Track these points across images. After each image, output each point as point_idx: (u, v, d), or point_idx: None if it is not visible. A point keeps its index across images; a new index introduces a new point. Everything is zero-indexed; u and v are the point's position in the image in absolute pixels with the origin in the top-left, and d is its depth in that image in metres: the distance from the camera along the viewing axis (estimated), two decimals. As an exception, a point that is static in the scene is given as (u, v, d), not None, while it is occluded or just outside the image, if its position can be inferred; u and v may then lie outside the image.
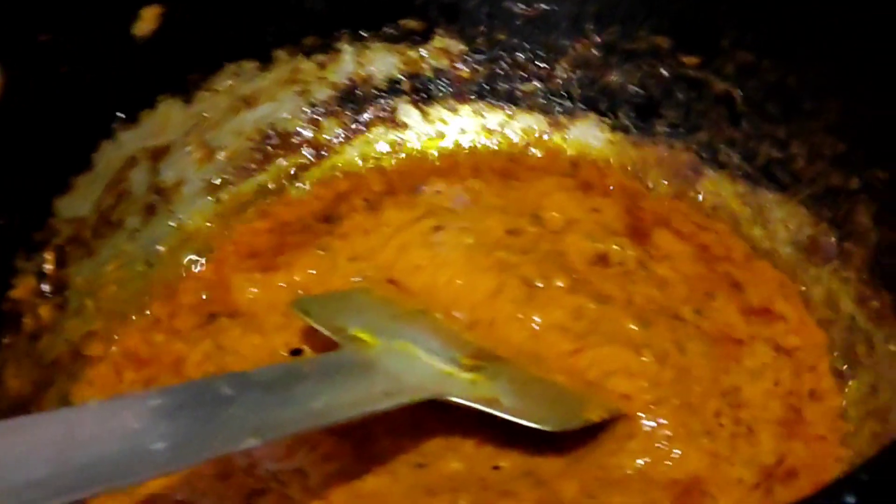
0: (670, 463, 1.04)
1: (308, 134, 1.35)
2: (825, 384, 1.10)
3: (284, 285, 1.21)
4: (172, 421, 0.87)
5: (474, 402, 1.04)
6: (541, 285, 1.16)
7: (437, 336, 1.13)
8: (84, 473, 0.81)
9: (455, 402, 1.04)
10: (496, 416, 1.04)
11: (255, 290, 1.21)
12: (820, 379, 1.10)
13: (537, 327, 1.14)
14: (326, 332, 1.10)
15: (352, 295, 1.19)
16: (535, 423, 1.04)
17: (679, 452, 1.05)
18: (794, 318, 1.15)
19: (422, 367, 1.07)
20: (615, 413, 1.07)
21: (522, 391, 1.08)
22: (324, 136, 1.35)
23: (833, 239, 1.15)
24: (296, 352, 1.16)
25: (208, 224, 1.28)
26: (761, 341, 1.13)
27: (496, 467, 1.06)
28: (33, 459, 0.80)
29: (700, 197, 1.28)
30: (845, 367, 1.10)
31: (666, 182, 1.30)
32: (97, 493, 0.83)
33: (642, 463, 1.04)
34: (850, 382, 1.09)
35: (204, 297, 1.22)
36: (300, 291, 1.21)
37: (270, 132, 1.33)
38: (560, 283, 1.16)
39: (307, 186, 1.34)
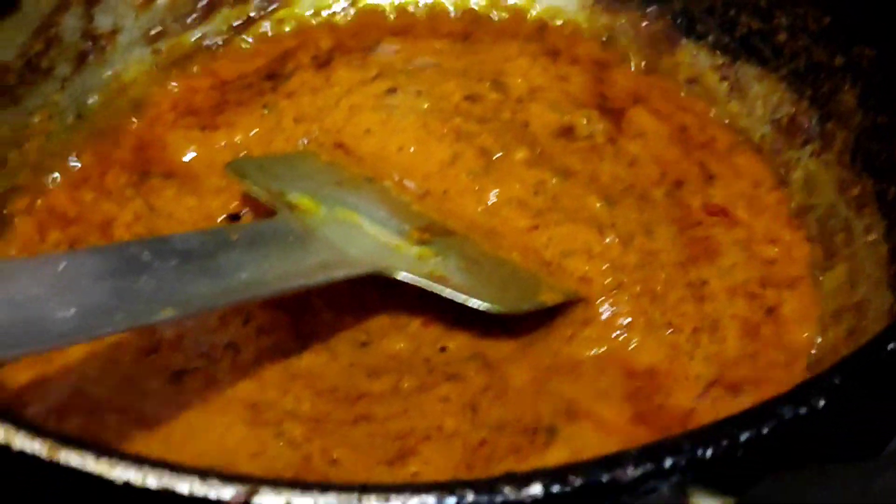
0: (627, 353, 0.98)
1: (256, -17, 1.26)
2: (800, 299, 1.03)
3: (225, 145, 1.14)
4: (80, 287, 0.80)
5: (420, 279, 0.98)
6: (499, 156, 1.09)
7: (384, 206, 1.06)
8: None
9: (400, 279, 0.97)
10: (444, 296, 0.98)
11: (193, 150, 1.14)
12: (796, 293, 1.03)
13: (494, 201, 1.07)
14: (262, 197, 1.03)
15: (296, 158, 1.11)
16: (483, 302, 0.98)
17: (637, 342, 0.98)
18: (757, 226, 1.08)
19: (365, 239, 1.00)
20: (572, 297, 1.01)
21: (473, 269, 1.01)
22: (273, -14, 1.27)
23: (814, 119, 1.08)
24: (234, 217, 1.09)
25: (145, 77, 1.21)
26: (732, 243, 1.06)
27: (443, 349, 1.01)
28: None
29: (675, 69, 1.20)
30: (823, 258, 1.04)
31: (639, 52, 1.22)
32: None
33: (597, 352, 0.98)
34: (827, 273, 1.03)
35: (139, 154, 1.15)
36: (243, 153, 1.13)
37: (215, -22, 1.25)
38: (520, 155, 1.09)
39: (251, 41, 1.26)
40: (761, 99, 1.15)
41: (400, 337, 1.01)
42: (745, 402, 0.95)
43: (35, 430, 0.64)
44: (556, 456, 0.89)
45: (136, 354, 0.97)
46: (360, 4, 1.29)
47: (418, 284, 0.98)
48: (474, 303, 0.97)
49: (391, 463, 0.90)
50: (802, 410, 0.63)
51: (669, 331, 0.99)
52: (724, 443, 0.62)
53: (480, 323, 1.00)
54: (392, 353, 1.00)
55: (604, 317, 1.00)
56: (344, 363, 0.99)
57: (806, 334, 1.01)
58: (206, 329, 0.98)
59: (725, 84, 1.17)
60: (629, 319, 0.99)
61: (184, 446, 0.90)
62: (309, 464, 0.90)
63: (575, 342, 0.99)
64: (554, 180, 1.07)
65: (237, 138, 1.14)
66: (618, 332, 0.99)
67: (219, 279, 0.88)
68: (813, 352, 0.99)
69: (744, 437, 0.62)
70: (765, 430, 0.62)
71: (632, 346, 0.98)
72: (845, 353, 0.93)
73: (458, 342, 1.01)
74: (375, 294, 1.02)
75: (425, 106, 1.14)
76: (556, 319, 1.01)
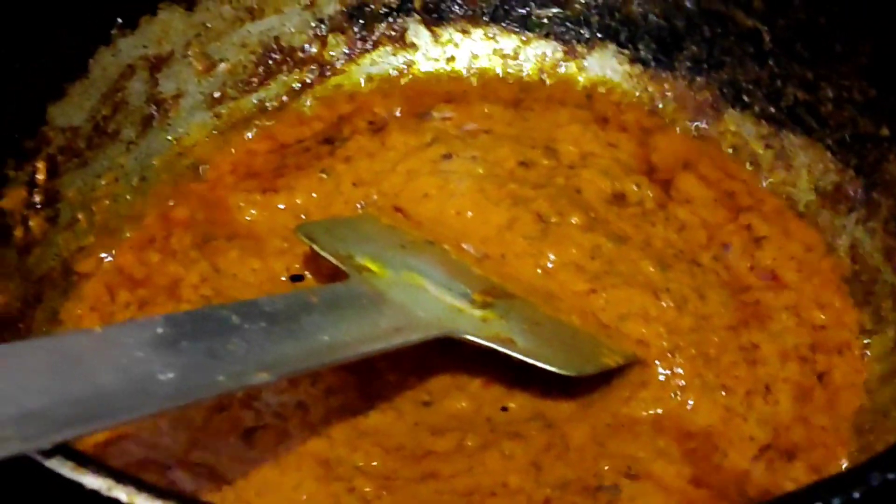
0: (683, 414, 1.01)
1: (313, 50, 1.30)
2: (849, 364, 1.06)
3: (285, 208, 1.17)
4: (178, 350, 0.83)
5: (488, 341, 1.00)
6: (555, 221, 1.12)
7: (447, 269, 1.09)
8: (85, 406, 0.75)
9: (469, 341, 1.01)
10: (506, 357, 1.01)
11: (255, 212, 1.17)
12: (845, 358, 1.06)
13: (551, 265, 1.10)
14: (333, 261, 1.06)
15: (358, 221, 1.15)
16: (551, 366, 1.01)
17: (692, 404, 1.01)
18: (806, 291, 1.10)
19: (432, 302, 1.03)
20: (631, 359, 1.04)
21: (536, 332, 1.04)
22: (329, 53, 1.31)
23: (859, 188, 1.11)
24: (297, 277, 1.12)
25: (206, 140, 1.24)
26: (781, 308, 1.08)
27: (504, 408, 1.03)
28: (29, 389, 0.74)
29: (720, 137, 1.23)
30: (870, 323, 1.07)
31: (685, 119, 1.25)
32: (99, 429, 0.78)
33: (654, 412, 1.01)
34: (874, 338, 1.05)
35: (201, 216, 1.18)
36: (302, 215, 1.17)
37: (274, 46, 1.28)
38: (575, 220, 1.12)
39: (309, 106, 1.29)
40: (806, 167, 1.17)
41: (462, 397, 1.04)
42: (798, 466, 0.98)
43: (156, 489, 0.66)
44: (619, 515, 0.93)
45: (207, 412, 0.99)
46: (413, 70, 1.32)
47: (488, 346, 1.00)
48: (542, 365, 1.00)
49: (459, 521, 0.92)
50: (891, 476, 0.66)
51: (723, 393, 1.02)
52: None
53: (540, 384, 1.03)
54: (454, 413, 1.03)
55: (660, 378, 1.03)
56: (409, 422, 1.01)
57: (854, 399, 1.03)
58: (276, 390, 1.01)
59: (770, 152, 1.20)
60: (684, 381, 1.02)
61: (258, 501, 0.93)
62: (381, 520, 0.93)
63: (633, 403, 1.02)
64: (609, 245, 1.10)
65: (297, 201, 1.17)
66: (674, 394, 1.02)
67: (303, 341, 0.91)
68: (861, 418, 1.02)
69: (836, 501, 0.65)
70: (855, 496, 0.65)
71: (688, 408, 1.01)
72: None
73: (519, 402, 1.03)
74: (436, 355, 1.05)
75: (480, 171, 1.17)
76: (613, 381, 1.04)
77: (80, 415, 0.74)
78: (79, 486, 0.67)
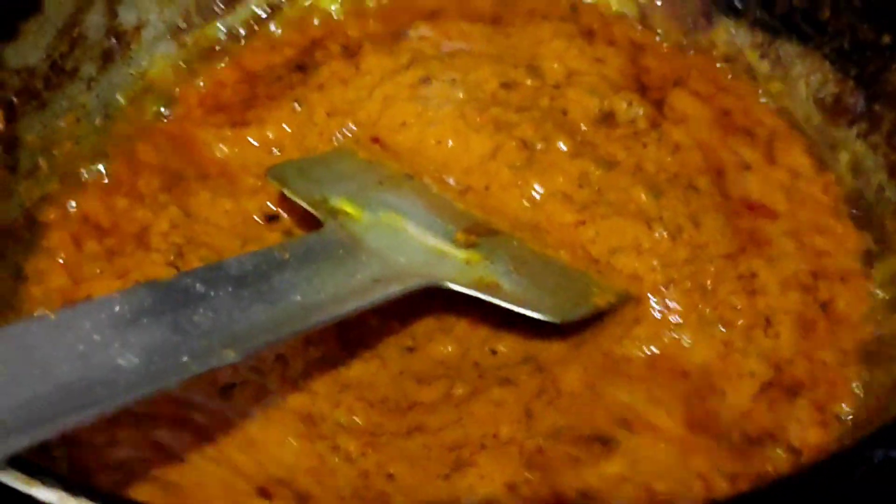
0: (679, 352, 0.97)
1: (280, -32, 1.24)
2: (854, 292, 1.01)
3: (257, 143, 1.12)
4: (139, 328, 0.78)
5: (473, 289, 0.96)
6: (541, 148, 1.07)
7: (428, 206, 1.04)
8: (40, 407, 0.71)
9: (453, 289, 0.96)
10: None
11: (225, 148, 1.12)
12: (849, 286, 1.01)
13: (537, 195, 1.05)
14: (306, 206, 1.01)
15: (332, 158, 1.09)
16: (538, 313, 0.96)
17: (689, 340, 0.97)
18: (801, 217, 1.06)
19: (413, 245, 0.99)
20: (623, 297, 0.99)
21: (523, 272, 0.99)
22: (298, -30, 1.24)
23: (860, 99, 1.06)
24: (272, 218, 1.07)
25: (172, 72, 1.19)
26: (780, 233, 1.04)
27: (493, 351, 0.99)
28: None
29: (713, 49, 1.18)
30: (875, 247, 1.02)
31: (675, 30, 1.19)
32: (55, 434, 0.72)
33: (648, 351, 0.97)
34: (879, 263, 1.01)
35: (169, 155, 1.13)
36: (275, 150, 1.12)
37: (238, -34, 1.23)
38: (562, 146, 1.07)
39: (278, 31, 1.23)
40: (804, 78, 1.12)
41: (448, 340, 1.00)
42: (801, 404, 0.94)
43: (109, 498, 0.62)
44: (613, 467, 0.89)
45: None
46: (388, -13, 1.26)
47: (471, 294, 0.96)
48: (529, 312, 0.96)
49: (447, 476, 0.89)
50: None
51: (721, 327, 0.97)
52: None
53: (529, 323, 0.98)
54: (441, 358, 0.99)
55: (655, 315, 0.98)
56: (393, 371, 0.98)
57: (859, 330, 0.99)
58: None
59: (766, 63, 1.15)
60: (680, 317, 0.98)
61: (240, 459, 0.90)
62: (367, 480, 0.89)
63: (626, 342, 0.98)
64: (598, 171, 1.05)
65: (270, 135, 1.12)
66: (669, 331, 0.98)
67: (274, 304, 0.87)
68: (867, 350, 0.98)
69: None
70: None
71: (684, 345, 0.97)
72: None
73: (508, 344, 1.00)
74: (420, 296, 0.99)
75: (461, 95, 1.12)
76: (606, 318, 0.99)
77: (34, 419, 0.70)
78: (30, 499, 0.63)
